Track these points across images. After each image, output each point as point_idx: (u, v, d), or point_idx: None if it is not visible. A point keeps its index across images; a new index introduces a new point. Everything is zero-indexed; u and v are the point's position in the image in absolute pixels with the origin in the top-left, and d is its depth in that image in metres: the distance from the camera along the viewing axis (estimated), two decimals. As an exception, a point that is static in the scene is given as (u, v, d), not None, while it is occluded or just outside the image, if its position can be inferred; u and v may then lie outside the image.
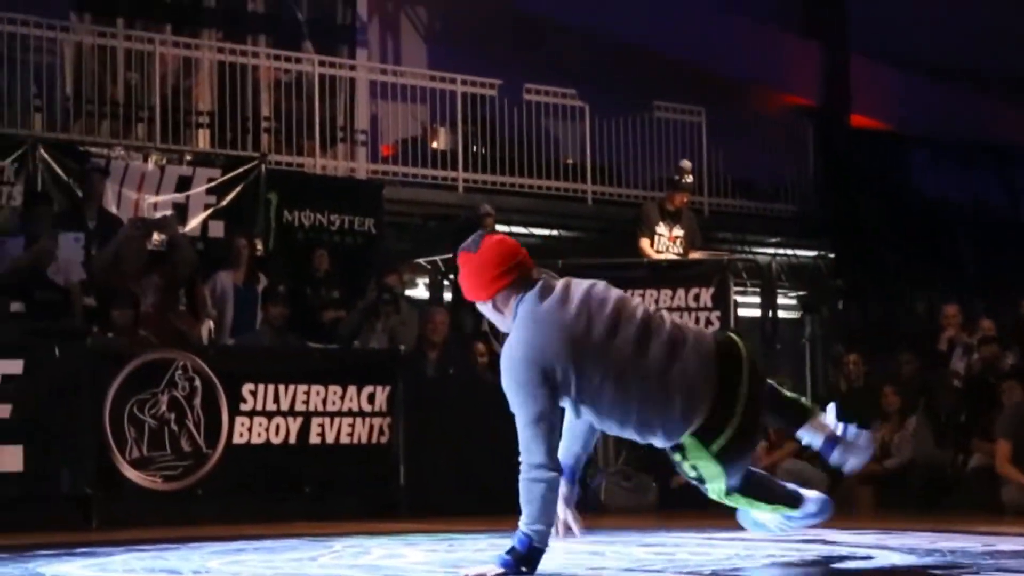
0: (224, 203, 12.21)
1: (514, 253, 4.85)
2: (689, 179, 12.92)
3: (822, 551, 5.80)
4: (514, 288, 4.79)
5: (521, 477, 4.67)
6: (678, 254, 12.77)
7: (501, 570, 4.64)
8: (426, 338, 10.95)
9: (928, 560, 5.37)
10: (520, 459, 4.69)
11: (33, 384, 8.76)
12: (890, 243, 16.88)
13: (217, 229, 12.15)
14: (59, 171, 11.50)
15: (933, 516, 9.05)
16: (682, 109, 15.76)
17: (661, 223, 12.77)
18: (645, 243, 12.76)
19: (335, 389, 9.71)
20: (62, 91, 12.73)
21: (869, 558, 5.52)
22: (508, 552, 4.68)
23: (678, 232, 12.76)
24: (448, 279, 14.14)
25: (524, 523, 4.67)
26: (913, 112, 18.81)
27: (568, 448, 5.02)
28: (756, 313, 13.82)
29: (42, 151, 11.50)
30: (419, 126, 14.73)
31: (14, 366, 8.72)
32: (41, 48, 12.45)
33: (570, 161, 15.18)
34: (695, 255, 12.87)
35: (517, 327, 4.71)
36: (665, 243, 12.72)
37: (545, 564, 5.27)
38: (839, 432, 5.16)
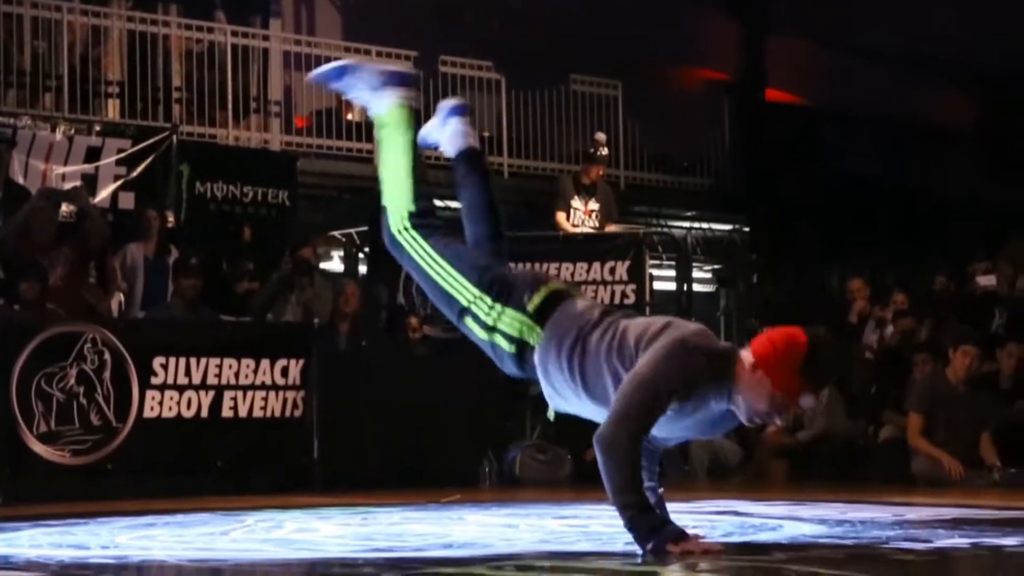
0: (135, 174, 12.03)
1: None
2: (604, 152, 12.95)
3: (734, 522, 5.82)
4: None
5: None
6: (594, 227, 12.80)
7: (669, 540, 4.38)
8: (339, 311, 10.89)
9: (838, 530, 5.41)
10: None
11: (-63, 357, 8.60)
12: (805, 217, 17.01)
13: (127, 200, 11.97)
14: (-37, 141, 11.28)
15: (845, 487, 9.13)
16: (598, 82, 15.76)
17: (576, 196, 12.80)
18: (561, 216, 12.78)
19: (248, 362, 9.61)
20: (-33, 59, 12.47)
21: (779, 528, 5.54)
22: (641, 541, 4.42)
23: (593, 205, 12.80)
24: (363, 252, 14.06)
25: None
26: (829, 87, 18.95)
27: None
28: (672, 287, 13.91)
29: (-54, 120, 11.28)
30: (334, 97, 14.60)
31: (-82, 339, 8.55)
32: (-54, 14, 12.19)
33: (486, 134, 15.11)
34: (611, 228, 12.90)
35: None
36: (581, 216, 12.76)
37: (458, 537, 5.24)
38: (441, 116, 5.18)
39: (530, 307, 4.69)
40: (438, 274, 4.85)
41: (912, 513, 6.31)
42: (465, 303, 4.79)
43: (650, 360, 4.40)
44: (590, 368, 4.58)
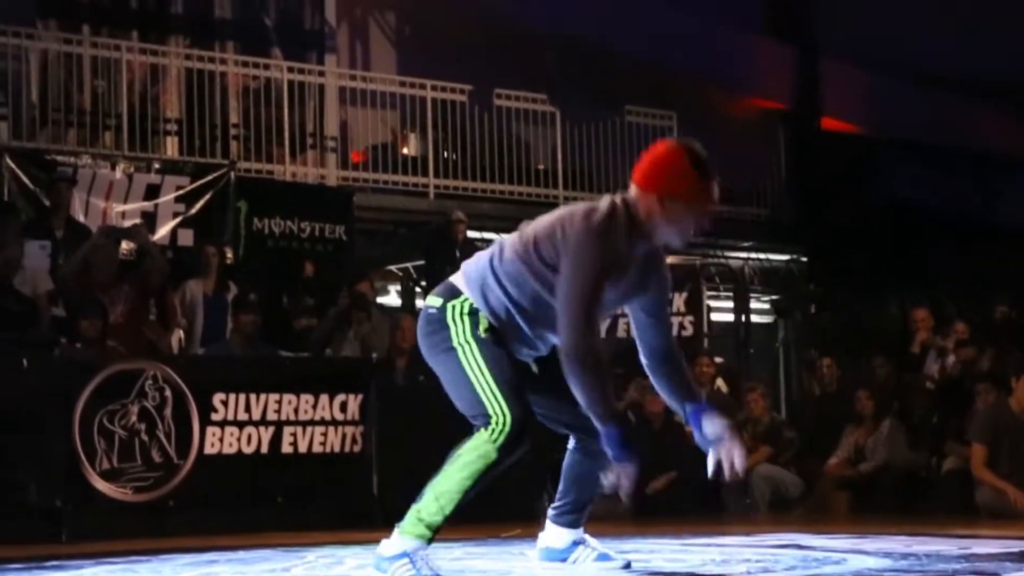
0: (193, 211, 12.14)
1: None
2: None
3: (797, 555, 5.77)
4: None
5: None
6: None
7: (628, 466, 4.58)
8: (396, 346, 10.90)
9: (903, 564, 5.34)
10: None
11: (1, 395, 8.65)
12: (863, 246, 16.90)
13: (186, 237, 12.08)
14: (25, 180, 11.41)
15: (908, 520, 9.03)
16: (653, 113, 15.75)
17: None
18: None
19: (307, 398, 9.63)
20: (28, 99, 12.62)
21: (843, 562, 5.49)
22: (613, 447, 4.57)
23: None
24: (420, 286, 14.10)
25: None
26: (885, 115, 18.85)
27: None
28: (729, 318, 13.85)
29: (8, 160, 11.41)
30: (389, 132, 14.68)
31: (-19, 377, 8.62)
32: (6, 55, 12.34)
33: (541, 167, 15.15)
34: (668, 260, 12.85)
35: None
36: None
37: (520, 572, 5.22)
38: None
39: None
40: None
41: (978, 546, 6.23)
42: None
43: (569, 263, 4.53)
44: (517, 290, 4.66)
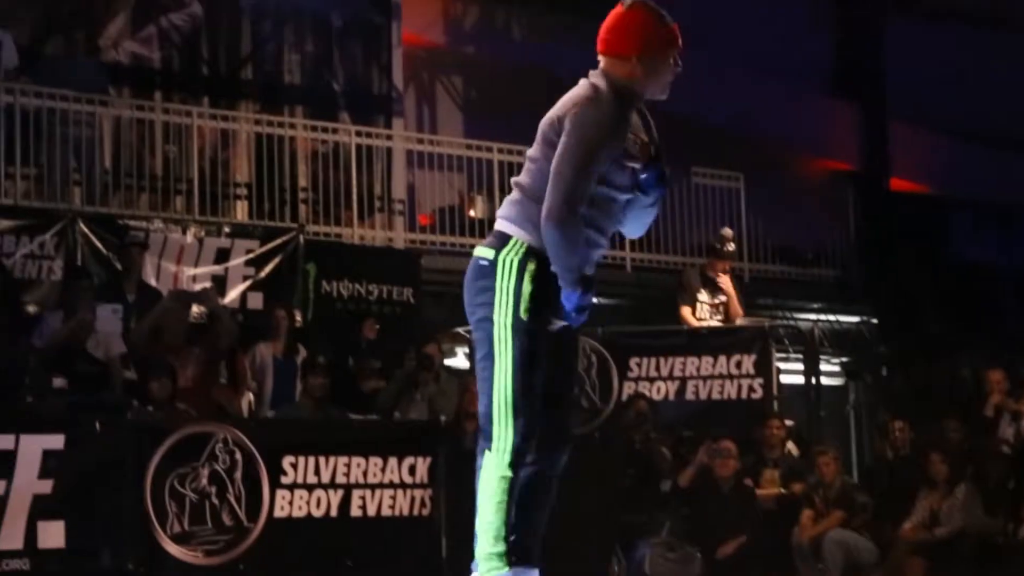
0: (262, 274, 12.20)
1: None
2: (731, 247, 12.86)
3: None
4: None
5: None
6: (720, 321, 12.68)
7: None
8: (464, 409, 10.86)
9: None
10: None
11: (74, 459, 8.70)
12: (934, 308, 16.72)
13: (256, 301, 12.13)
14: (98, 245, 11.52)
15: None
16: (720, 175, 15.71)
17: (702, 290, 12.70)
18: (686, 311, 12.68)
19: (376, 461, 9.62)
20: (101, 165, 12.77)
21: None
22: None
23: (720, 299, 12.68)
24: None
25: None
26: (955, 176, 18.69)
27: None
28: (799, 380, 13.70)
29: (81, 225, 11.53)
30: (456, 194, 14.72)
31: (55, 441, 8.66)
32: (80, 122, 12.50)
33: (608, 228, 15.09)
34: (738, 322, 12.77)
35: None
36: (707, 310, 12.64)
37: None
38: None
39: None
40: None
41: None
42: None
43: (572, 131, 4.64)
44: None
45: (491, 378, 4.68)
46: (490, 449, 4.68)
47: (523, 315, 4.65)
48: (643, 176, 4.76)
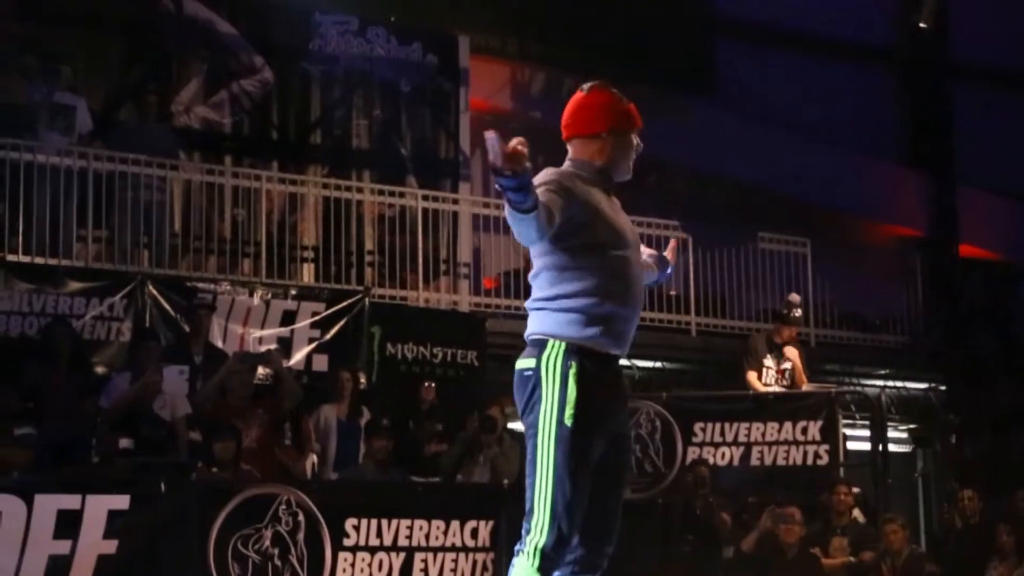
0: (328, 337, 12.26)
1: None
2: (798, 313, 12.82)
3: None
4: None
5: None
6: (785, 386, 12.61)
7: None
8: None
9: None
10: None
11: (139, 519, 8.75)
12: (1004, 375, 16.52)
13: (321, 363, 12.19)
14: (167, 306, 11.65)
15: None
16: (787, 240, 15.65)
17: (768, 355, 12.65)
18: (752, 376, 12.63)
19: (438, 524, 9.60)
20: (170, 227, 12.92)
21: None
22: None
23: (785, 365, 12.63)
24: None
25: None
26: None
27: None
28: (866, 447, 13.58)
29: (150, 287, 11.67)
30: (521, 258, 14.75)
31: (121, 501, 8.71)
32: (150, 186, 12.66)
33: (674, 292, 15.10)
34: (804, 388, 12.70)
35: None
36: (773, 376, 12.59)
37: None
38: None
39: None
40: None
41: None
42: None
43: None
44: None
45: (534, 479, 4.69)
46: (525, 537, 4.70)
47: (567, 422, 4.68)
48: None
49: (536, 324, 4.85)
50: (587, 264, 4.82)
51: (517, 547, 4.74)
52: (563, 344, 4.74)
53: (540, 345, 4.79)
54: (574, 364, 4.72)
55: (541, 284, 4.85)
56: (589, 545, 4.82)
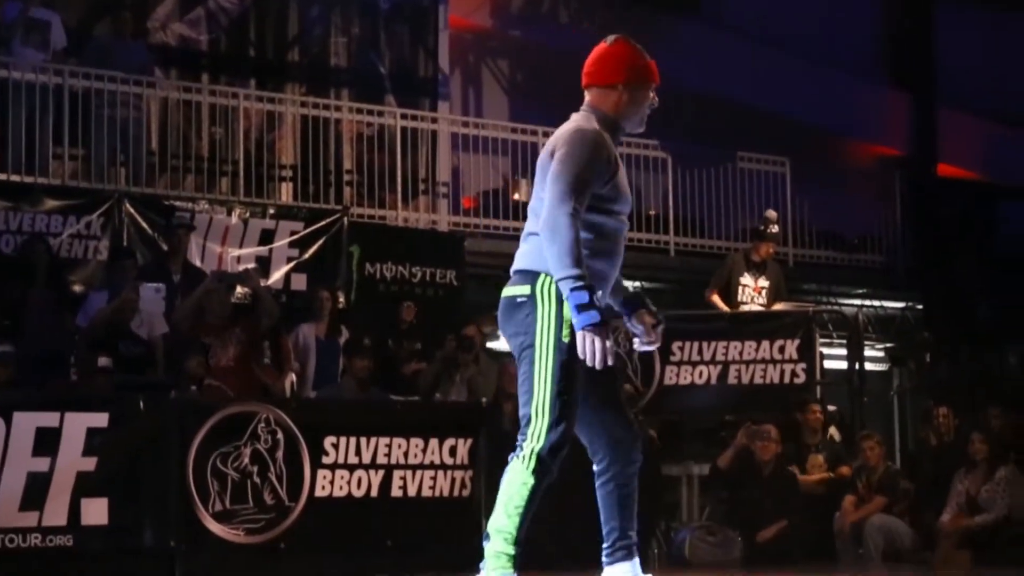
0: (306, 256, 12.27)
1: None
2: (775, 229, 12.82)
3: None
4: None
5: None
6: (762, 305, 12.64)
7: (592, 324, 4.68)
8: (503, 390, 10.90)
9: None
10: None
11: (118, 438, 8.78)
12: (981, 295, 16.60)
13: (300, 282, 12.20)
14: (144, 225, 11.63)
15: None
16: (766, 159, 15.65)
17: (746, 273, 12.66)
18: (715, 297, 12.65)
19: (417, 442, 9.65)
20: (147, 146, 12.85)
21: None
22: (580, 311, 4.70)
23: (763, 283, 12.64)
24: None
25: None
26: (1004, 162, 18.54)
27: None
28: (843, 365, 13.65)
29: (127, 205, 11.64)
30: (500, 178, 14.73)
31: (99, 419, 8.74)
32: (127, 104, 12.58)
33: (653, 212, 15.10)
34: (780, 306, 12.73)
35: None
36: (750, 293, 12.60)
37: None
38: None
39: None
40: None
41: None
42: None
43: (563, 152, 4.87)
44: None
45: (531, 390, 4.87)
46: (522, 443, 4.88)
47: (564, 338, 4.83)
48: (570, 292, 4.79)
49: (532, 258, 4.97)
50: (589, 220, 4.91)
51: (511, 455, 4.91)
52: (549, 277, 4.87)
53: (533, 276, 4.94)
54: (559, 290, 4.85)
55: (540, 219, 4.92)
56: (615, 455, 5.02)
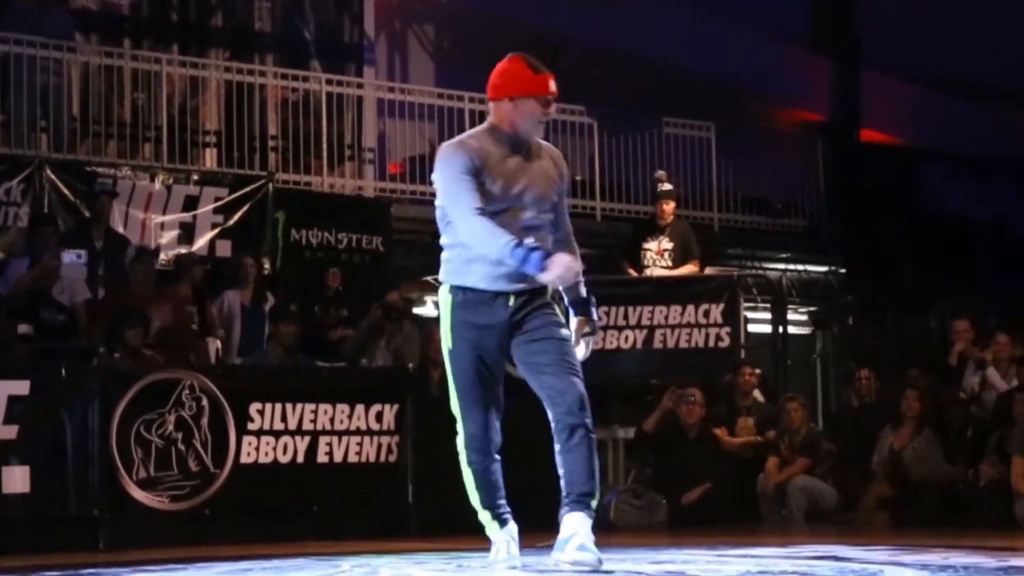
0: (231, 222, 12.20)
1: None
2: (667, 186, 12.85)
3: (834, 567, 5.74)
4: None
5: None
6: (667, 267, 12.63)
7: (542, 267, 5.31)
8: (428, 356, 10.90)
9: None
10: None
11: (40, 405, 8.71)
12: (903, 258, 16.79)
13: (224, 248, 12.13)
14: (66, 191, 11.51)
15: (946, 532, 8.96)
16: (691, 125, 15.72)
17: (648, 238, 12.68)
18: (625, 265, 12.76)
19: (343, 408, 9.65)
20: (69, 112, 12.72)
21: (881, 574, 5.45)
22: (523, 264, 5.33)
23: (667, 245, 12.62)
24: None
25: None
26: (927, 127, 18.73)
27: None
28: (767, 329, 13.78)
29: (48, 172, 11.51)
30: (427, 144, 14.70)
31: (21, 387, 8.65)
32: (48, 69, 12.43)
33: (579, 178, 15.13)
34: (685, 267, 12.69)
35: None
36: (652, 257, 12.61)
37: None
38: None
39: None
40: None
41: (1016, 559, 6.18)
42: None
43: (439, 181, 5.55)
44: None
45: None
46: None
47: (451, 345, 5.65)
48: (520, 255, 5.38)
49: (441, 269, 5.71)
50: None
51: None
52: (447, 286, 5.65)
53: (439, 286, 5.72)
54: (450, 301, 5.62)
55: (443, 229, 5.62)
56: (558, 412, 5.55)
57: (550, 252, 5.35)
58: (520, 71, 5.54)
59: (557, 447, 5.54)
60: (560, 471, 5.57)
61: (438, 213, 5.59)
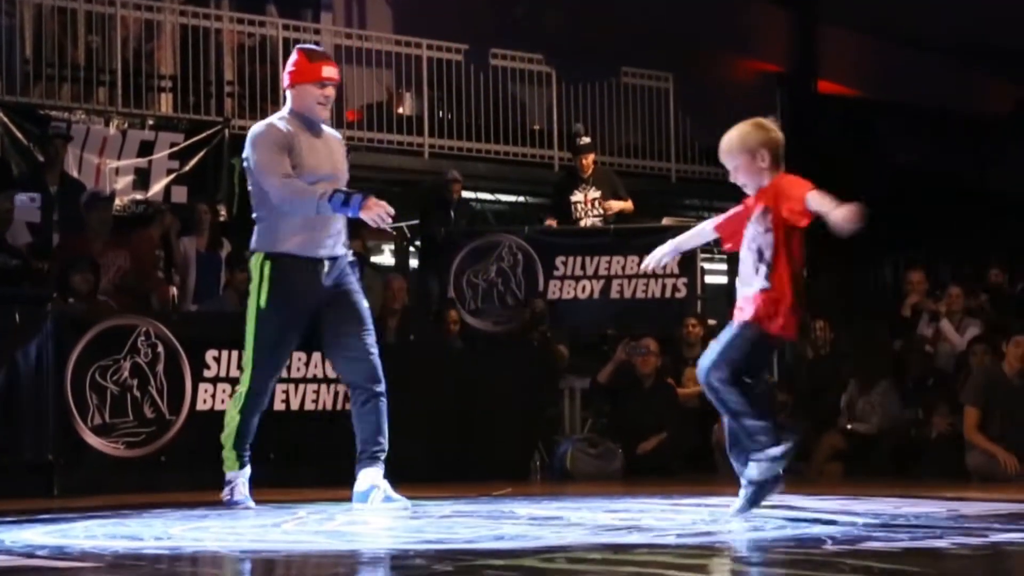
0: (187, 168, 12.12)
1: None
2: (586, 140, 12.95)
3: (787, 516, 5.79)
4: None
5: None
6: (599, 215, 12.72)
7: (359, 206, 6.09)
8: (387, 305, 10.89)
9: (892, 525, 5.36)
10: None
11: (-7, 350, 8.65)
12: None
13: (180, 195, 12.07)
14: (18, 135, 11.40)
15: (899, 482, 9.05)
16: (649, 75, 15.70)
17: (575, 191, 12.77)
18: (550, 222, 12.84)
19: (299, 355, 9.60)
20: (21, 54, 12.56)
21: (833, 523, 5.50)
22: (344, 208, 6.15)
23: (594, 194, 12.72)
24: (414, 245, 14.08)
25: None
26: (882, 79, 18.79)
27: None
28: (723, 280, 13.83)
29: (1, 114, 11.37)
30: (384, 91, 14.63)
31: (-27, 332, 8.60)
32: (0, 10, 12.27)
33: (537, 127, 15.12)
34: (616, 204, 12.73)
35: None
36: (583, 208, 12.70)
37: (509, 530, 5.24)
38: None
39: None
40: None
41: (967, 508, 6.26)
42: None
43: (251, 156, 6.44)
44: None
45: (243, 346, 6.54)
46: (236, 390, 6.66)
47: (262, 305, 6.44)
48: (331, 205, 6.20)
49: (253, 239, 6.48)
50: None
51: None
52: (262, 253, 6.40)
53: (252, 253, 6.47)
54: (269, 266, 6.39)
55: (254, 203, 6.47)
56: (357, 379, 6.56)
57: (364, 193, 6.09)
58: (298, 62, 6.42)
59: (353, 409, 6.56)
60: (356, 430, 6.57)
61: (251, 189, 6.39)
